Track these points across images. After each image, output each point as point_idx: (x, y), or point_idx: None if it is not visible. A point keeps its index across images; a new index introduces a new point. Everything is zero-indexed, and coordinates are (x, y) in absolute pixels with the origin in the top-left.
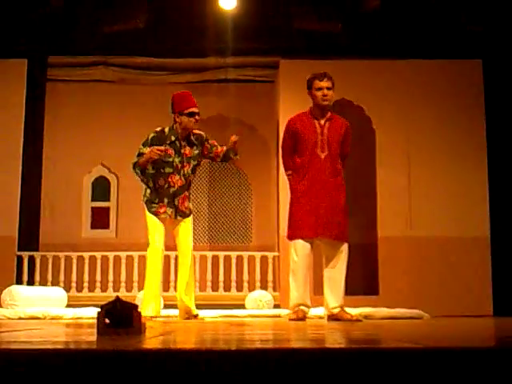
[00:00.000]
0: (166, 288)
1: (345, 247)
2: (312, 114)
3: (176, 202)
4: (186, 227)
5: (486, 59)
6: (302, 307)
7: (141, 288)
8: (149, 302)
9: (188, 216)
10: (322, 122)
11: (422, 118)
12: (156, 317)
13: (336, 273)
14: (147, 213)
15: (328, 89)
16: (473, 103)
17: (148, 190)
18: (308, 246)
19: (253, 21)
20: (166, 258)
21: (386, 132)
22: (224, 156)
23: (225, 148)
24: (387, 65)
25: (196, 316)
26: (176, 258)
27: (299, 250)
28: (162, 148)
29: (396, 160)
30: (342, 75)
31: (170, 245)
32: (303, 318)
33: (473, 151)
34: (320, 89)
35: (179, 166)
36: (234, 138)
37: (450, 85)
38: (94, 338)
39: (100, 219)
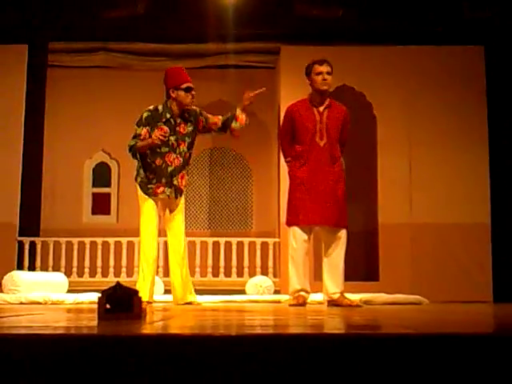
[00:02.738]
0: (167, 273)
1: (343, 233)
2: (311, 101)
3: (175, 182)
4: (180, 210)
5: (488, 45)
6: (301, 293)
7: None
8: (143, 287)
9: (181, 195)
10: (321, 109)
11: (424, 104)
12: (149, 302)
13: (335, 259)
14: (142, 194)
15: (328, 73)
16: (474, 90)
17: (142, 171)
18: (307, 232)
19: (254, 6)
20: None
21: (387, 118)
22: (223, 125)
23: (222, 117)
24: (388, 51)
25: (191, 303)
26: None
27: (298, 237)
28: (166, 129)
29: (397, 146)
30: (343, 61)
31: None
32: (303, 304)
33: (474, 138)
34: (320, 73)
35: (175, 144)
36: (249, 94)
37: (452, 71)
38: (94, 323)
39: (101, 205)
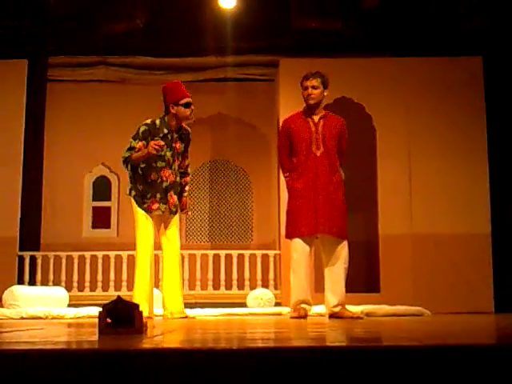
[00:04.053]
0: None
1: (344, 245)
2: (305, 113)
3: (169, 198)
4: (175, 224)
5: (486, 56)
6: (302, 305)
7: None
8: (142, 302)
9: (176, 213)
10: (316, 119)
11: (423, 115)
12: (149, 317)
13: (336, 271)
14: (137, 209)
15: (314, 87)
16: (473, 100)
17: (137, 185)
18: (307, 243)
19: (252, 19)
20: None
21: (386, 130)
22: (181, 177)
23: (185, 173)
24: (387, 62)
25: (186, 317)
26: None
27: (298, 248)
28: (162, 143)
29: (397, 157)
30: (342, 73)
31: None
32: (304, 316)
33: (473, 148)
34: (306, 88)
35: (171, 160)
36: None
37: (451, 82)
38: (95, 337)
39: (101, 219)
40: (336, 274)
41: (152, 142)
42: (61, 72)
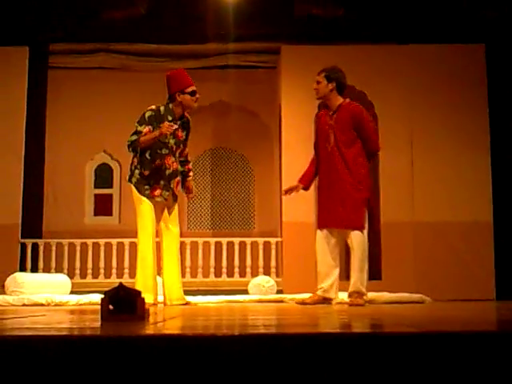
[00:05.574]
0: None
1: (354, 235)
2: (326, 107)
3: (172, 185)
4: (175, 211)
5: (488, 43)
6: (318, 292)
7: None
8: (143, 290)
9: (176, 200)
10: (331, 113)
11: (425, 102)
12: (154, 304)
13: (352, 260)
14: (139, 196)
15: (317, 83)
16: (476, 88)
17: (138, 171)
18: (323, 234)
19: (254, 6)
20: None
21: (388, 117)
22: (183, 165)
23: (185, 160)
24: (389, 49)
25: (186, 303)
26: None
27: (316, 238)
28: (175, 126)
29: (398, 145)
30: (343, 60)
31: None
32: (314, 302)
33: (476, 136)
34: None
35: (174, 147)
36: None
37: (453, 69)
38: (97, 324)
39: (103, 206)
40: (352, 262)
41: (166, 123)
42: (62, 59)
